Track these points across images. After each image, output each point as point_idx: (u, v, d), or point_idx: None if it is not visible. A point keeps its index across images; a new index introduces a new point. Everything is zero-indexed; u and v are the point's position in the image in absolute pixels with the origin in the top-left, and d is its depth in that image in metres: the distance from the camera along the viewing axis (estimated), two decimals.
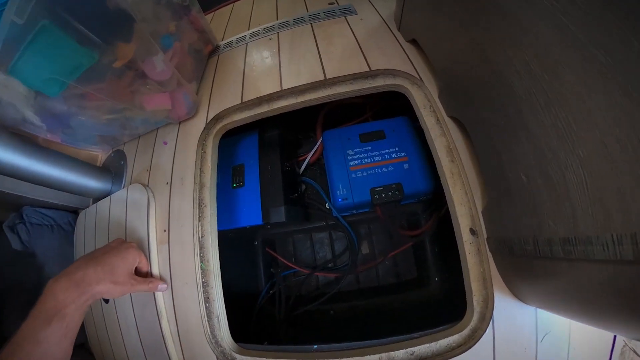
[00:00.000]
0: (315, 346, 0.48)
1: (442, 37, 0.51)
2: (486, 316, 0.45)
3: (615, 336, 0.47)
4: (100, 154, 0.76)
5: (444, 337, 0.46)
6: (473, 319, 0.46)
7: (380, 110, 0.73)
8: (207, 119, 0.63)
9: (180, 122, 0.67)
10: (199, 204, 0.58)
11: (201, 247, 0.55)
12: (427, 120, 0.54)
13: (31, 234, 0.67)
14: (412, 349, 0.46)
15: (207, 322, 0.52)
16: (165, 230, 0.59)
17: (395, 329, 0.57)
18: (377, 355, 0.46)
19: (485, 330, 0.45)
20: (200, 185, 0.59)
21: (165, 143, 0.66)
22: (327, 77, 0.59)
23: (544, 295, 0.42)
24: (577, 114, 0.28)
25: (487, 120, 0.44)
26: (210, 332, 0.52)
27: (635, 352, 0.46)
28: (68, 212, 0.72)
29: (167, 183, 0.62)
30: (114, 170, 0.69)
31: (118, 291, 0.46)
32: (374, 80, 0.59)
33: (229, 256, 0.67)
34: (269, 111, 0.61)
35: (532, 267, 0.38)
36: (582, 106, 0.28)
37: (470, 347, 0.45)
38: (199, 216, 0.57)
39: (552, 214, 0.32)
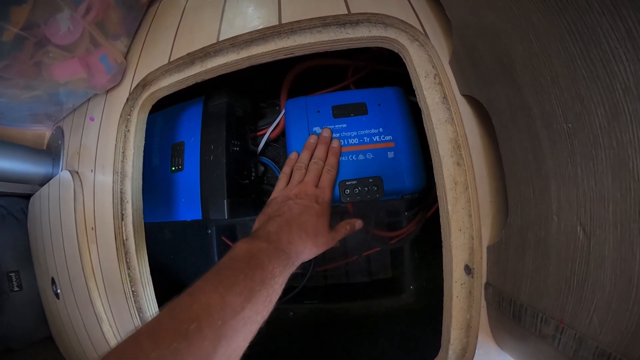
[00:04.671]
0: None
1: None
2: None
3: None
4: (46, 132, 0.54)
5: None
6: None
7: (367, 77, 0.47)
8: (131, 87, 0.39)
9: (107, 92, 0.43)
10: (121, 198, 0.38)
11: (126, 252, 0.38)
12: (429, 95, 0.30)
13: None
14: None
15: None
16: (92, 228, 0.40)
17: (360, 342, 0.43)
18: None
19: None
20: (121, 175, 0.38)
21: (92, 119, 0.43)
22: (283, 22, 0.33)
23: None
24: None
25: (538, 114, 0.20)
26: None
27: None
28: (20, 198, 0.54)
29: (92, 170, 0.41)
30: (54, 150, 0.49)
31: (316, 253, 0.32)
32: (354, 29, 0.32)
33: (176, 248, 0.50)
34: (203, 72, 0.36)
35: (538, 346, 0.22)
36: None
37: None
38: (122, 214, 0.38)
39: (605, 311, 0.17)
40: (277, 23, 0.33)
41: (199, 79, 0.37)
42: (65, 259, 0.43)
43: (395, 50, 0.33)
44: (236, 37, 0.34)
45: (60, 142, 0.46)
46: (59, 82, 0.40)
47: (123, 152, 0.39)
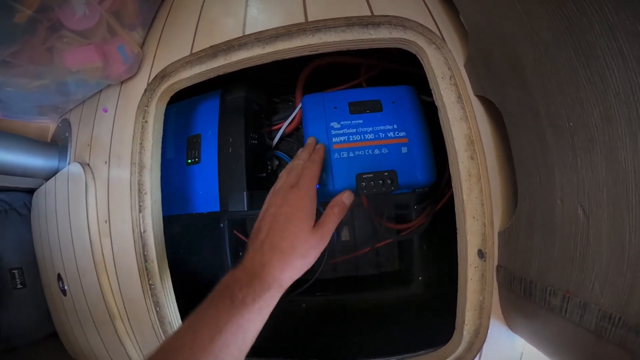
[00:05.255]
0: None
1: None
2: (474, 347, 0.33)
3: None
4: (50, 125, 0.55)
5: None
6: (459, 348, 0.34)
7: (379, 75, 0.51)
8: (149, 78, 0.41)
9: (122, 83, 0.44)
10: (139, 190, 0.40)
11: (144, 245, 0.40)
12: (445, 95, 0.34)
13: None
14: None
15: (159, 329, 0.39)
16: (106, 222, 0.42)
17: (372, 331, 0.47)
18: None
19: None
20: (139, 166, 0.40)
21: (105, 110, 0.45)
22: (309, 20, 0.37)
23: (543, 341, 0.30)
24: None
25: (545, 114, 0.25)
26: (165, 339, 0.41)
27: None
28: (23, 192, 0.54)
29: (106, 162, 0.43)
30: (60, 143, 0.50)
31: (308, 265, 0.30)
32: (375, 30, 0.36)
33: (187, 242, 0.52)
34: (227, 65, 0.39)
35: (546, 319, 0.27)
36: None
37: None
38: (140, 206, 0.40)
39: (604, 277, 0.22)
40: (304, 20, 0.36)
41: (221, 72, 0.40)
42: (74, 254, 0.44)
43: (413, 52, 0.37)
44: (262, 32, 0.37)
45: (67, 134, 0.47)
46: (70, 70, 0.41)
47: (141, 143, 0.41)
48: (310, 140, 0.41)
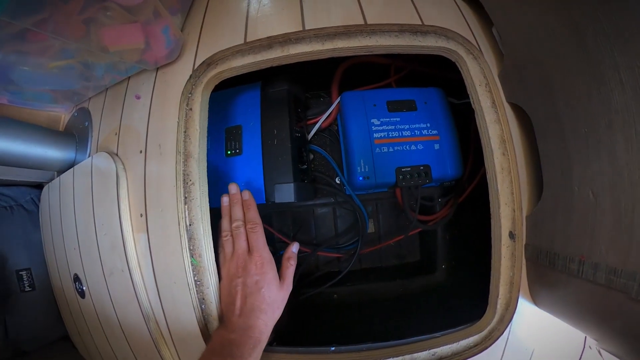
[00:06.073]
0: (333, 348, 0.45)
1: (522, 2, 0.42)
2: (505, 318, 0.45)
3: None
4: (63, 114, 0.56)
5: (464, 337, 0.46)
6: (494, 320, 0.47)
7: (404, 77, 0.62)
8: (194, 64, 0.46)
9: (157, 69, 0.48)
10: (184, 180, 0.44)
11: (190, 238, 0.44)
12: (483, 100, 0.47)
13: None
14: (434, 350, 0.45)
15: (205, 326, 0.44)
16: (141, 215, 0.45)
17: (401, 316, 0.58)
18: (400, 358, 0.45)
19: (503, 332, 0.45)
20: (185, 156, 0.44)
21: (138, 97, 0.47)
22: (368, 23, 0.46)
23: (563, 306, 0.43)
24: None
25: (567, 122, 0.38)
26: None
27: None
28: (30, 187, 0.55)
29: (141, 151, 0.46)
30: (77, 133, 0.51)
31: (280, 313, 0.43)
32: (424, 38, 0.47)
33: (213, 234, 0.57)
34: (283, 57, 0.45)
35: (567, 283, 0.39)
36: None
37: (485, 348, 0.46)
38: (185, 197, 0.44)
39: (608, 241, 0.33)
40: (363, 23, 0.45)
41: (275, 63, 0.46)
42: (98, 253, 0.46)
43: (453, 60, 0.48)
44: (323, 28, 0.44)
45: (86, 123, 0.49)
46: (106, 49, 0.43)
47: (185, 132, 0.46)
48: (234, 190, 0.45)
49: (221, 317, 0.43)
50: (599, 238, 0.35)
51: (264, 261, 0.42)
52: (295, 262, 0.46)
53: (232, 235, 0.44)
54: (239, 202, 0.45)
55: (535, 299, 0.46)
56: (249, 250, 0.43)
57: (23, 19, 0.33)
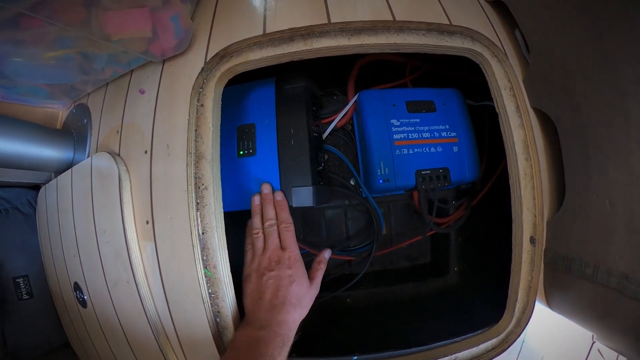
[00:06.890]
0: (355, 357, 0.44)
1: (549, 9, 0.41)
2: (521, 321, 0.46)
3: None
4: (60, 111, 0.51)
5: (484, 341, 0.46)
6: (511, 323, 0.47)
7: (420, 77, 0.61)
8: (206, 57, 0.42)
9: (164, 61, 0.44)
10: (196, 184, 0.41)
11: (203, 248, 0.41)
12: (507, 105, 0.46)
13: None
14: (456, 354, 0.45)
15: (220, 339, 0.41)
16: (148, 222, 0.42)
17: (414, 319, 0.58)
18: None
19: (519, 335, 0.46)
20: (196, 157, 0.41)
21: (143, 92, 0.44)
22: (397, 19, 0.44)
23: (576, 309, 0.44)
24: None
25: (588, 131, 0.39)
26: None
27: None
28: (26, 188, 0.50)
29: (146, 152, 0.42)
30: (75, 131, 0.47)
31: (306, 312, 0.42)
32: (450, 38, 0.45)
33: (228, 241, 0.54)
34: (305, 52, 0.43)
35: (582, 286, 0.41)
36: None
37: (503, 351, 0.46)
38: (197, 203, 0.41)
39: (622, 249, 0.35)
40: (391, 19, 0.43)
41: (296, 58, 0.43)
42: (100, 261, 0.42)
43: (477, 62, 0.48)
44: (349, 22, 0.42)
45: (85, 121, 0.44)
46: (108, 37, 0.39)
47: (196, 130, 0.42)
48: (266, 190, 0.46)
49: (237, 320, 0.42)
50: (613, 245, 0.36)
51: (297, 257, 0.43)
52: (325, 267, 0.47)
53: (263, 233, 0.44)
54: (272, 202, 0.45)
55: (549, 302, 0.47)
56: (282, 247, 0.43)
57: (16, 1, 0.29)
